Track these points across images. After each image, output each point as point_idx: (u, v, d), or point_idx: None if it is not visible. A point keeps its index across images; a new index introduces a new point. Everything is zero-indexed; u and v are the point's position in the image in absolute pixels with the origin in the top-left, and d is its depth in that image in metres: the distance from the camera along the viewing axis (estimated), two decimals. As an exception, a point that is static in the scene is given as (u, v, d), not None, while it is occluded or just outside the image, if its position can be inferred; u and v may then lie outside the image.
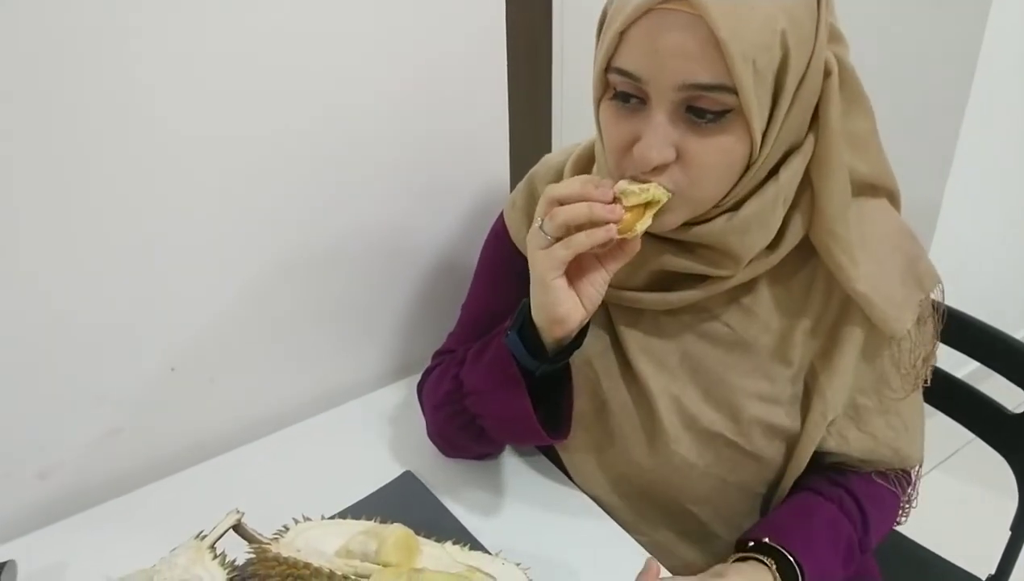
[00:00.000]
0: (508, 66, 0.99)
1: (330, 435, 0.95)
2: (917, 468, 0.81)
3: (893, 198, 0.75)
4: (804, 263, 0.73)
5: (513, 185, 0.93)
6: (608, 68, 0.62)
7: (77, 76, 0.70)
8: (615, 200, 0.61)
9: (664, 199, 0.62)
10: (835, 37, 0.64)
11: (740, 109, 0.59)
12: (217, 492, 0.83)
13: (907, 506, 0.81)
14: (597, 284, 0.66)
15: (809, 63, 0.61)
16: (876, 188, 0.73)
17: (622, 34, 0.60)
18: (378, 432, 0.94)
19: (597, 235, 0.61)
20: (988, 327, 0.94)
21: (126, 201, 0.77)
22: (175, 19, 0.73)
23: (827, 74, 0.63)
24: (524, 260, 0.81)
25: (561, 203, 0.62)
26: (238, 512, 0.66)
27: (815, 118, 0.65)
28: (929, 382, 0.78)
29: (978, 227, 1.84)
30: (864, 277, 0.69)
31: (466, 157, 1.01)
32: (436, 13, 0.90)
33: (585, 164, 0.79)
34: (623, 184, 0.62)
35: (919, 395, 0.79)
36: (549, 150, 0.86)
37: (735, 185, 0.65)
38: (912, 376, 0.76)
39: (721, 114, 0.59)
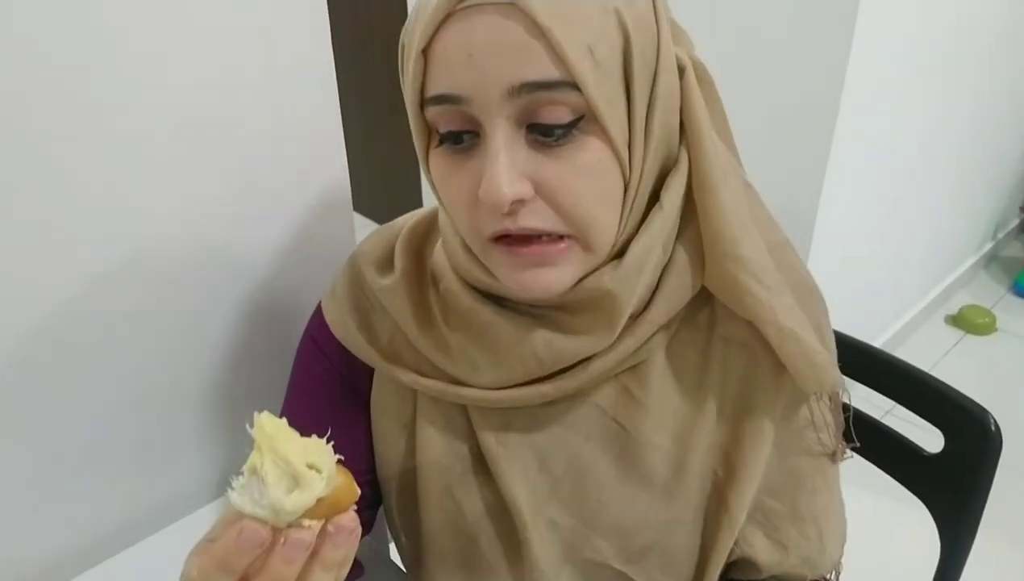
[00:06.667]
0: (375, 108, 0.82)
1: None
2: (834, 574, 0.69)
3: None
4: (700, 335, 0.60)
5: (385, 219, 0.71)
6: (423, 104, 0.50)
7: None
8: (276, 531, 0.40)
9: (324, 485, 0.40)
10: (677, 36, 0.55)
11: (594, 115, 0.49)
12: None
13: None
14: None
15: (658, 55, 0.51)
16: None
17: (425, 53, 0.49)
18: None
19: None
20: (860, 343, 0.88)
21: None
22: None
23: (681, 72, 0.53)
24: (349, 364, 0.65)
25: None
26: None
27: (682, 128, 0.55)
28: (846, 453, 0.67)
29: (853, 233, 1.86)
30: (786, 312, 0.56)
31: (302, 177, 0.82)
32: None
33: (420, 240, 0.64)
34: (261, 503, 0.39)
35: (837, 489, 0.67)
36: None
37: (623, 218, 0.53)
38: (827, 456, 0.65)
39: (572, 125, 0.49)
